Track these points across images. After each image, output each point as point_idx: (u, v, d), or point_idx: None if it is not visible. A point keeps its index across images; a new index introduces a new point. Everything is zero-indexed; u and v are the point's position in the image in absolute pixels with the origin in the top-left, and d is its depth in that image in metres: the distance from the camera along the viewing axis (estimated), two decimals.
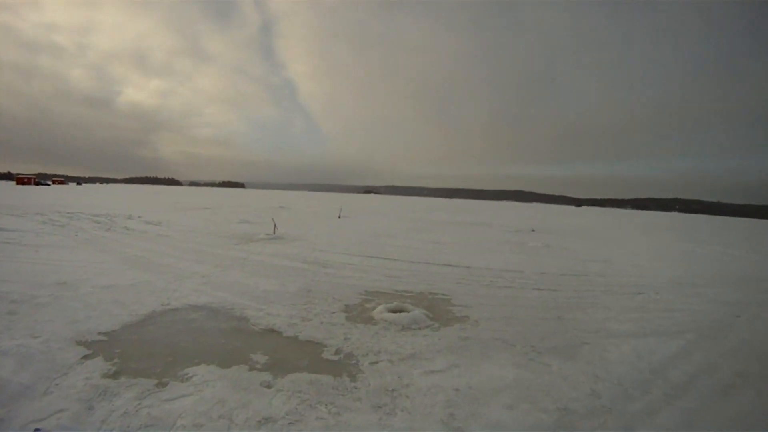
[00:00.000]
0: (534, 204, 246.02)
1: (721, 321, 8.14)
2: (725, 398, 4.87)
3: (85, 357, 4.91)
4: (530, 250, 17.59)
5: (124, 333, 5.78)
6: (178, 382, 4.38)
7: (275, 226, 18.90)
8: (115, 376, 4.46)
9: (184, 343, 5.50)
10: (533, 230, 28.34)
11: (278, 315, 6.91)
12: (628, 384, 5.06)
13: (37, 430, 3.43)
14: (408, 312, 7.19)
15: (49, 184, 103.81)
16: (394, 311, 7.28)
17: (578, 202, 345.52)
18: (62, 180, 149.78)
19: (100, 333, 5.68)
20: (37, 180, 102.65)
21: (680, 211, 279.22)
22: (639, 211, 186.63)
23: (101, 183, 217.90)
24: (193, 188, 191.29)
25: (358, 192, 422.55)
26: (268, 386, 4.39)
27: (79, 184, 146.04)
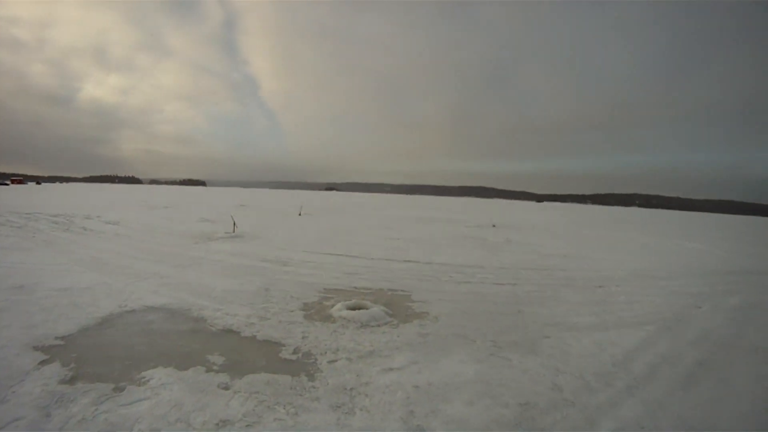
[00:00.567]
0: (496, 200, 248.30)
1: (682, 312, 8.36)
2: (687, 388, 4.97)
3: (42, 362, 4.87)
4: (491, 246, 17.84)
5: (81, 337, 5.73)
6: (135, 386, 4.38)
7: (234, 224, 18.77)
8: (72, 381, 4.44)
9: (141, 346, 5.48)
10: (494, 226, 28.85)
11: (236, 315, 6.90)
12: (590, 377, 5.13)
13: None
14: (367, 309, 7.24)
15: (7, 184, 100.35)
16: (353, 309, 7.33)
17: (539, 198, 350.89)
18: (21, 179, 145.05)
19: (57, 337, 5.63)
20: None
21: (640, 206, 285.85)
22: (600, 206, 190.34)
23: (61, 182, 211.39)
24: (154, 187, 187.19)
25: (321, 189, 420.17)
26: (226, 388, 4.41)
27: (38, 183, 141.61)
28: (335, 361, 5.27)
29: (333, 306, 7.52)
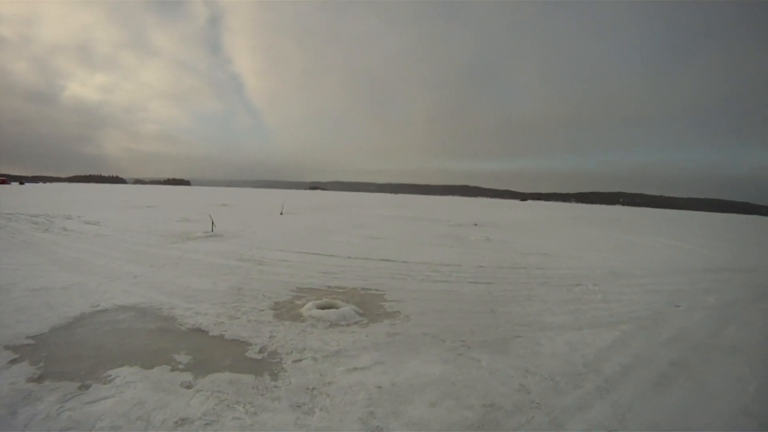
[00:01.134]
0: (480, 198, 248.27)
1: (659, 311, 8.35)
2: (660, 389, 4.93)
3: (12, 361, 4.94)
4: (470, 244, 17.95)
5: (53, 336, 5.80)
6: (100, 384, 4.46)
7: (213, 223, 18.81)
8: (40, 380, 4.52)
9: (110, 345, 5.57)
10: (476, 224, 29.03)
11: (206, 314, 6.94)
12: (560, 378, 5.07)
13: None
14: (337, 308, 7.29)
15: None
16: (324, 308, 7.36)
17: (523, 197, 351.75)
18: (4, 179, 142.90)
19: (28, 337, 5.69)
20: None
21: (624, 204, 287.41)
22: (583, 205, 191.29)
23: (45, 182, 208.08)
24: (138, 186, 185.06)
25: (305, 188, 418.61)
26: (188, 387, 4.48)
27: (21, 183, 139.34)
28: (300, 360, 5.29)
29: (304, 305, 7.56)
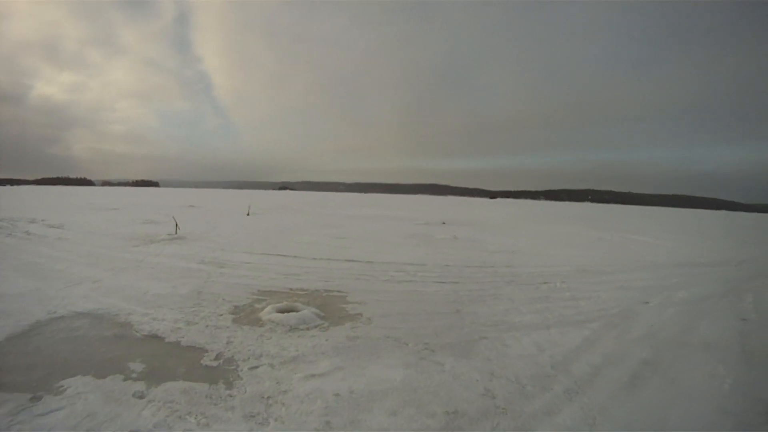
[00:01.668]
0: (449, 197, 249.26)
1: (628, 308, 8.35)
2: (631, 390, 4.90)
3: None
4: (437, 243, 18.06)
5: (7, 345, 5.73)
6: (52, 395, 4.43)
7: (177, 225, 18.63)
8: None
9: (65, 354, 5.52)
10: (444, 222, 29.22)
11: (163, 319, 6.89)
12: (527, 381, 5.02)
13: None
14: (297, 312, 7.25)
15: None
16: (284, 311, 7.34)
17: (493, 195, 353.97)
18: None
19: None
20: None
21: (592, 201, 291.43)
22: (552, 202, 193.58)
23: (12, 185, 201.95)
24: (106, 188, 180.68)
25: (274, 188, 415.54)
26: (141, 397, 4.45)
27: None
28: (256, 367, 5.23)
29: (263, 309, 7.54)
